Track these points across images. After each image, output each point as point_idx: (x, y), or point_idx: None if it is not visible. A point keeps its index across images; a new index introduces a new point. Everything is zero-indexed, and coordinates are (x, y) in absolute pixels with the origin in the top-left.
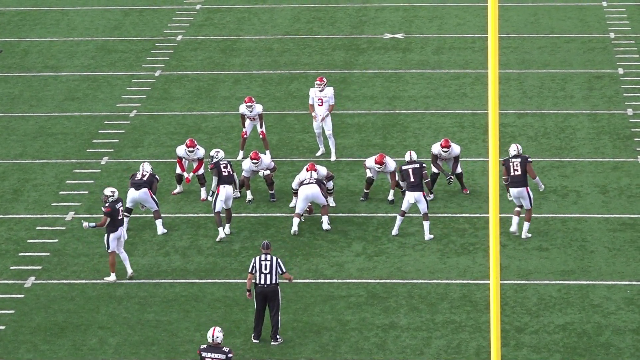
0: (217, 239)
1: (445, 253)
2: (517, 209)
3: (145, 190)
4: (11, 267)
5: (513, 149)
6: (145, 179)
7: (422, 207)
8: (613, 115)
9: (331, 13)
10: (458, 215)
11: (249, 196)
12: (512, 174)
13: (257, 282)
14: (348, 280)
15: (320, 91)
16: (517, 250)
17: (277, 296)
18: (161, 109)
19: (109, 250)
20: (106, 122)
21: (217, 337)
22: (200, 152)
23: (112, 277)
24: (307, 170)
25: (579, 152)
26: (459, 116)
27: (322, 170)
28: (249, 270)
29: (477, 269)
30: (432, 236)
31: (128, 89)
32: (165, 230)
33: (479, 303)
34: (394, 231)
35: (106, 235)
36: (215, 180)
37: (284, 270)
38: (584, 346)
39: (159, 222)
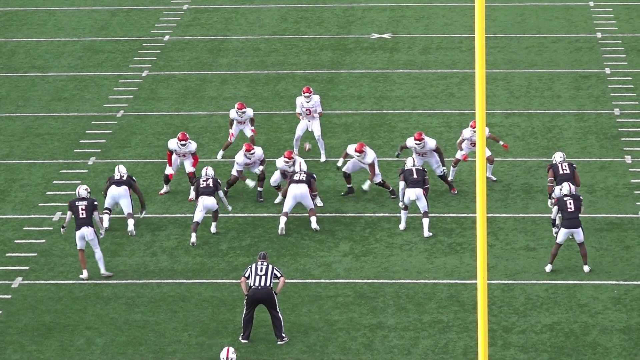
0: (190, 243)
1: (432, 253)
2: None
3: (125, 187)
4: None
5: (559, 155)
6: (124, 179)
7: (422, 204)
8: (600, 115)
9: (318, 13)
10: (445, 215)
11: (252, 183)
12: (561, 172)
13: (251, 284)
14: (335, 280)
15: (308, 102)
16: (505, 250)
17: (271, 298)
18: (148, 109)
19: (77, 248)
20: (93, 122)
21: (232, 359)
22: (192, 145)
23: (84, 274)
24: (286, 158)
25: (566, 152)
26: (446, 116)
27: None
28: (244, 274)
29: (465, 269)
30: (431, 233)
31: (115, 89)
32: (134, 233)
33: (467, 303)
34: (402, 226)
35: None
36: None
37: (281, 274)
38: (571, 346)
39: (131, 222)
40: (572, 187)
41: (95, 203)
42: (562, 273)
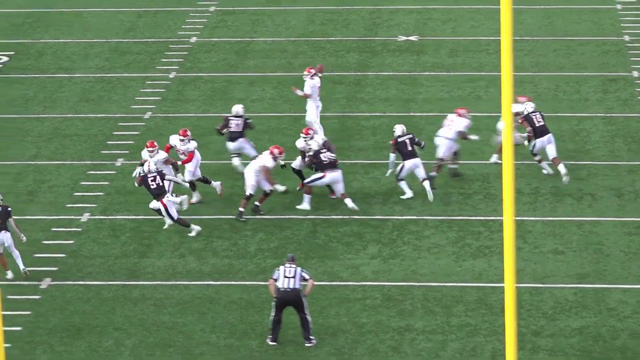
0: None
1: (460, 256)
2: (539, 156)
3: (241, 140)
4: (27, 268)
5: (531, 106)
6: (240, 129)
7: (421, 172)
8: (628, 118)
9: (345, 15)
10: (473, 218)
11: (281, 188)
12: (537, 125)
13: (280, 286)
14: (363, 283)
15: (304, 81)
16: (533, 254)
17: (299, 300)
18: (176, 111)
19: None
20: (120, 123)
21: None
22: (192, 144)
23: (10, 275)
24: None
25: (593, 155)
26: (473, 119)
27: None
28: (272, 277)
29: (493, 272)
30: (432, 198)
31: (142, 90)
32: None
33: (495, 306)
34: (408, 194)
35: None
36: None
37: (309, 276)
38: (599, 350)
39: (236, 160)
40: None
41: (9, 209)
42: (590, 277)
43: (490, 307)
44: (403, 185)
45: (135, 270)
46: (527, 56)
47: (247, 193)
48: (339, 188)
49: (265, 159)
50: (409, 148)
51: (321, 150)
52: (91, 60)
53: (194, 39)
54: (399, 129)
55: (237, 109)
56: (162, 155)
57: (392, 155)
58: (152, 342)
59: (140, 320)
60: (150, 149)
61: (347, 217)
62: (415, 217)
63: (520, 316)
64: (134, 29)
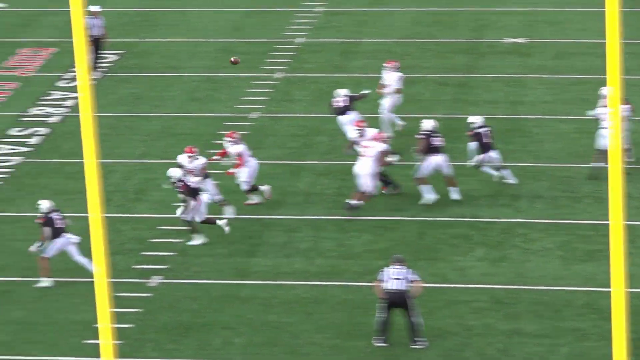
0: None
1: (568, 260)
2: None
3: (354, 112)
4: (133, 266)
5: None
6: (347, 103)
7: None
8: None
9: (451, 17)
10: (582, 222)
11: (394, 157)
12: None
13: (387, 288)
14: (471, 285)
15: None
16: None
17: (406, 302)
18: (282, 111)
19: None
20: (225, 123)
21: None
22: (235, 148)
23: (44, 282)
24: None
25: None
26: (580, 122)
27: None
28: (379, 278)
29: (602, 277)
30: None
31: (247, 90)
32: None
33: (605, 311)
34: (494, 172)
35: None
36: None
37: (417, 278)
38: None
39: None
40: None
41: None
42: None
43: (600, 312)
44: (486, 169)
45: (243, 270)
46: (636, 59)
47: (363, 190)
48: (446, 172)
49: (378, 146)
50: (486, 140)
51: (433, 133)
52: (198, 60)
53: (300, 39)
54: (478, 121)
55: (340, 91)
56: (202, 161)
57: (471, 144)
58: (259, 341)
59: (248, 319)
60: (190, 154)
61: (454, 219)
62: (522, 220)
63: (631, 322)
64: (241, 29)
